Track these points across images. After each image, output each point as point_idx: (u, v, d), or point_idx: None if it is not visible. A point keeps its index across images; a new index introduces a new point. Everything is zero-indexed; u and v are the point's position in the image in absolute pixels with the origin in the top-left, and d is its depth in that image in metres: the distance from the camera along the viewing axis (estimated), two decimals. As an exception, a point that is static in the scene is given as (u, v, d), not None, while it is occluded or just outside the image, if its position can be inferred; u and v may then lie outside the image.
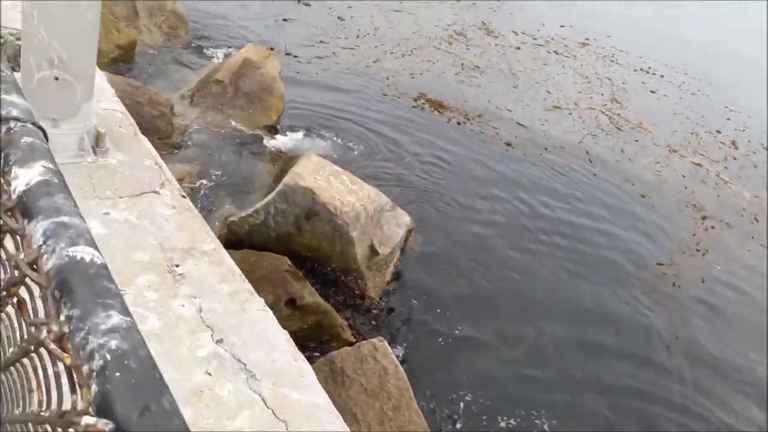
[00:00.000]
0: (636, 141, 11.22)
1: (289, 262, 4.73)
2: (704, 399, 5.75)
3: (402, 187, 7.37)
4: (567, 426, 4.93)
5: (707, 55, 19.06)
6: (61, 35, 2.22)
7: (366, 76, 10.64)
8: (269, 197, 4.99)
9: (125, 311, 0.48)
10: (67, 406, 0.49)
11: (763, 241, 9.04)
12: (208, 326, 2.45)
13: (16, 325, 0.64)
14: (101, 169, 2.80)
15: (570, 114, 11.70)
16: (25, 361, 0.59)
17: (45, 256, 0.49)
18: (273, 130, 7.73)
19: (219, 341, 2.42)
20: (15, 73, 1.45)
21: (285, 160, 6.72)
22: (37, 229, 0.53)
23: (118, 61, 7.90)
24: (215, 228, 5.04)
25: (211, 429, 2.03)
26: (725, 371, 6.26)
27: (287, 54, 10.30)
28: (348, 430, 2.28)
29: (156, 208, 2.80)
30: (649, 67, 15.90)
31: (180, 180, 4.45)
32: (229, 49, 9.58)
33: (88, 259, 0.50)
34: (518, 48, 14.43)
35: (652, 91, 14.36)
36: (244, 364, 2.35)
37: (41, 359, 0.57)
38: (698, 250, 8.27)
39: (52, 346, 0.49)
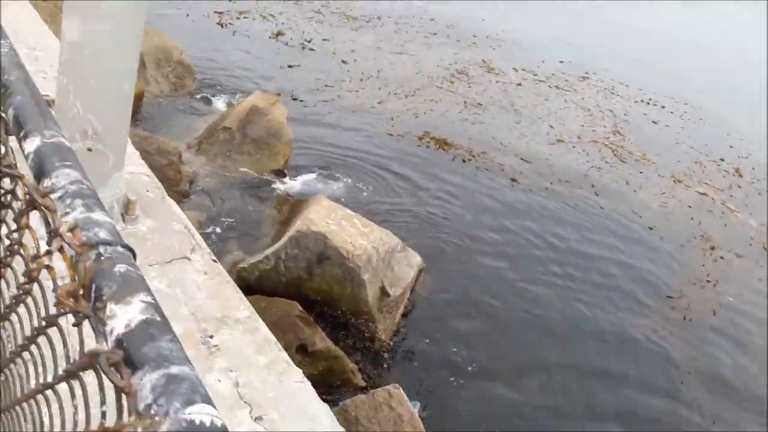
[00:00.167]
0: (640, 172, 11.27)
1: (300, 308, 4.75)
2: (722, 428, 5.69)
3: (411, 225, 7.42)
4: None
5: (707, 85, 19.23)
6: (97, 108, 2.24)
7: (371, 117, 10.80)
8: (280, 243, 5.05)
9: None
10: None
11: (773, 269, 9.00)
12: (246, 402, 2.38)
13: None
14: (131, 238, 2.78)
15: (573, 147, 11.79)
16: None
17: (157, 418, 0.42)
18: (281, 174, 7.83)
19: (258, 419, 2.35)
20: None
21: (293, 204, 6.80)
22: (144, 384, 0.45)
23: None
24: (226, 275, 5.08)
25: None
26: (743, 400, 6.19)
27: (294, 99, 10.49)
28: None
29: (187, 275, 2.76)
30: (650, 99, 16.05)
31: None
32: (236, 97, 9.77)
33: (207, 422, 0.44)
34: (519, 84, 14.63)
35: (654, 122, 14.47)
36: (285, 443, 2.27)
37: None
38: (708, 281, 8.24)
39: None
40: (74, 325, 0.56)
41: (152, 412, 0.43)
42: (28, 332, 0.84)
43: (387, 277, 5.25)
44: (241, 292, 2.81)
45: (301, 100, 10.64)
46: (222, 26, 13.62)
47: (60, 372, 0.62)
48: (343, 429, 2.50)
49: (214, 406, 0.46)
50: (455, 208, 8.25)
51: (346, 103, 11.12)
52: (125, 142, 2.62)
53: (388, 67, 13.64)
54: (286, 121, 8.38)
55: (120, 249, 0.59)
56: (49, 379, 0.68)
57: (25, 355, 0.89)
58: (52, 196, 0.67)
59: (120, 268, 0.56)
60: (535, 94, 14.18)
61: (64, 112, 2.28)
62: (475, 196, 8.68)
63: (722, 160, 12.97)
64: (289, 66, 12.04)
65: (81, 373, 0.55)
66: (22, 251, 0.83)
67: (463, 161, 9.80)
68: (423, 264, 5.84)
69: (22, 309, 0.86)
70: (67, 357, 0.64)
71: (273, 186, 7.57)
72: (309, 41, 13.74)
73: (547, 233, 8.34)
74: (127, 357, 0.48)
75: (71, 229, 0.59)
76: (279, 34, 13.68)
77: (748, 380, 6.53)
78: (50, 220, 0.63)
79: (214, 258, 2.77)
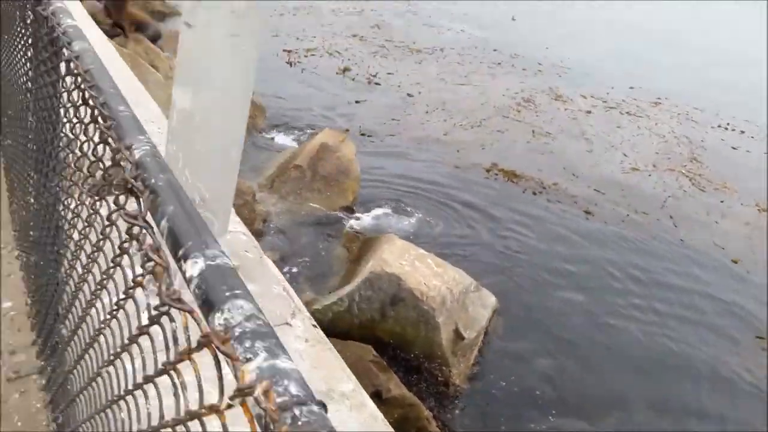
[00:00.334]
0: (721, 201, 10.73)
1: (374, 352, 4.69)
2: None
3: (484, 262, 7.27)
4: None
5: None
6: (206, 175, 2.24)
7: (437, 149, 10.76)
8: (354, 284, 5.02)
9: None
10: None
11: None
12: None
13: None
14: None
15: (649, 176, 11.37)
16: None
17: None
18: (350, 211, 7.86)
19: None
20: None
21: (363, 241, 6.78)
22: None
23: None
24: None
25: None
26: None
27: (362, 134, 10.59)
28: None
29: (289, 342, 2.62)
30: (728, 124, 15.36)
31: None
32: (306, 134, 9.94)
33: None
34: (589, 111, 14.30)
35: (734, 148, 13.81)
36: None
37: None
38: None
39: None
40: None
41: None
42: None
43: (461, 319, 5.12)
44: (343, 361, 2.69)
45: (369, 135, 10.72)
46: (291, 65, 13.97)
47: None
48: None
49: None
50: (528, 242, 8.05)
51: (412, 135, 11.13)
52: (230, 208, 2.59)
53: (453, 98, 13.61)
54: (354, 158, 8.44)
55: (315, 409, 0.52)
56: None
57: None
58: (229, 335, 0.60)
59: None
60: (607, 121, 13.82)
61: (174, 182, 2.25)
62: (548, 229, 8.45)
63: (812, 187, 12.21)
64: (356, 101, 12.19)
65: None
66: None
67: (534, 193, 9.59)
68: (497, 304, 5.68)
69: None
70: None
71: (343, 223, 7.60)
72: (374, 75, 13.90)
73: (626, 265, 8.03)
74: None
75: (266, 392, 0.52)
76: (345, 69, 13.91)
77: None
78: (231, 368, 0.56)
79: (314, 323, 2.68)
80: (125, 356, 1.13)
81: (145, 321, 0.88)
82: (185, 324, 0.69)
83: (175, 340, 0.76)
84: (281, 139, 9.84)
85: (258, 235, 6.80)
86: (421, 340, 5.01)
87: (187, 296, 0.72)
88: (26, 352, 2.34)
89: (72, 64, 1.50)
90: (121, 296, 1.12)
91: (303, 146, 8.58)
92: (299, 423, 0.50)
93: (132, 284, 1.03)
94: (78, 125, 1.45)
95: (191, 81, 2.14)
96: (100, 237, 1.30)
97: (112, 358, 1.26)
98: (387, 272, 4.95)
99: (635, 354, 6.34)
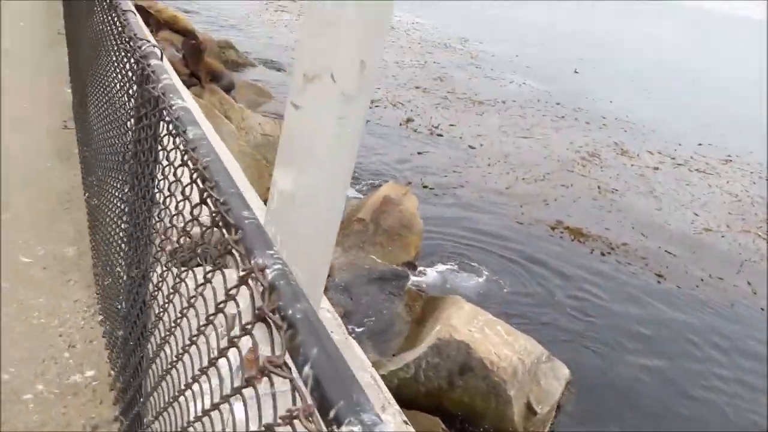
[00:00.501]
0: (806, 268, 10.12)
1: (442, 425, 4.48)
2: None
3: (554, 327, 6.98)
4: None
5: None
6: (302, 258, 2.15)
7: (500, 203, 10.57)
8: (420, 350, 4.84)
9: None
10: None
11: None
12: None
13: None
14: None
15: (723, 237, 10.87)
16: None
17: None
18: (412, 267, 7.72)
19: None
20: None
21: (427, 301, 6.62)
22: None
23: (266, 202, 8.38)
24: (365, 380, 4.93)
25: None
26: None
27: (424, 187, 10.53)
28: None
29: None
30: (807, 183, 14.65)
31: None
32: (369, 186, 9.95)
33: None
34: (656, 168, 13.89)
35: (814, 210, 13.11)
36: None
37: None
38: None
39: None
40: None
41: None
42: None
43: (533, 392, 4.86)
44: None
45: (431, 188, 10.65)
46: (353, 114, 14.14)
47: None
48: None
49: None
50: (599, 304, 7.72)
51: (474, 189, 10.99)
52: (322, 289, 2.50)
53: (515, 151, 13.46)
54: (417, 211, 8.35)
55: None
56: None
57: None
58: None
59: None
60: (675, 179, 13.37)
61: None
62: (618, 294, 8.09)
63: None
64: (419, 152, 12.18)
65: None
66: None
67: (602, 254, 9.25)
68: (570, 376, 5.39)
69: None
70: None
71: (405, 279, 7.45)
72: (437, 127, 13.92)
73: (705, 331, 7.62)
74: None
75: None
76: (408, 120, 13.99)
77: None
78: None
79: (405, 419, 2.52)
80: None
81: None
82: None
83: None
84: (345, 190, 9.86)
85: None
86: (492, 413, 4.77)
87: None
88: (108, 427, 2.28)
89: (186, 156, 1.44)
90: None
91: (366, 199, 8.56)
92: None
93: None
94: (191, 223, 1.39)
95: (294, 162, 2.08)
96: (213, 362, 1.21)
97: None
98: (456, 339, 4.76)
99: (720, 428, 5.92)
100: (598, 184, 12.23)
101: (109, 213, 2.59)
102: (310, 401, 0.79)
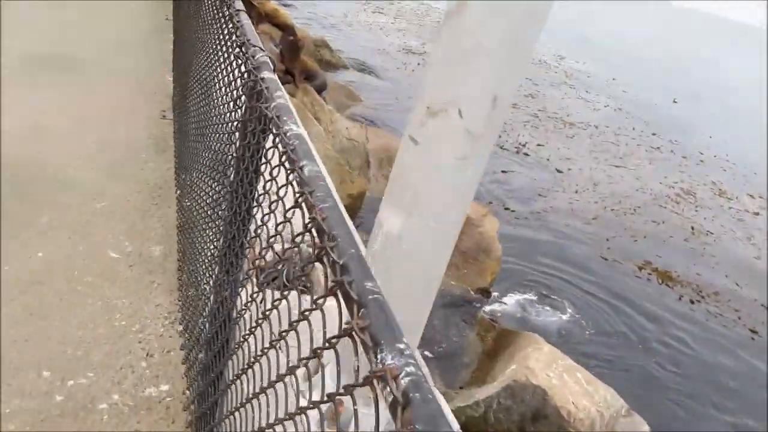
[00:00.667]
0: None
1: (512, 472, 4.21)
2: None
3: (636, 376, 6.55)
4: None
5: None
6: (401, 306, 1.97)
7: (585, 234, 10.10)
8: (492, 389, 4.59)
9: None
10: None
11: None
12: None
13: None
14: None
15: (828, 298, 9.99)
16: None
17: None
18: (486, 294, 7.44)
19: None
20: (304, 294, 1.14)
21: (500, 333, 6.34)
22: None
23: (347, 209, 8.30)
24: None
25: None
26: None
27: (505, 208, 10.20)
28: None
29: None
30: None
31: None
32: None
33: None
34: (757, 213, 12.98)
35: None
36: None
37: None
38: None
39: None
40: None
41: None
42: None
43: (611, 450, 4.52)
44: None
45: (513, 210, 10.30)
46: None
47: None
48: None
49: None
50: (686, 356, 7.20)
51: (558, 216, 10.56)
52: (419, 337, 2.33)
53: (606, 179, 12.88)
54: (496, 234, 8.05)
55: None
56: None
57: None
58: None
59: None
60: (778, 227, 12.45)
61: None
62: (707, 350, 7.52)
63: None
64: (503, 171, 11.83)
65: None
66: None
67: (692, 301, 8.66)
68: (651, 435, 4.99)
69: None
70: None
71: (478, 306, 7.18)
72: (523, 145, 13.51)
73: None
74: None
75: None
76: (495, 136, 13.65)
77: None
78: None
79: None
80: None
81: None
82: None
83: None
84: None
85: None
86: (563, 466, 4.46)
87: None
88: (175, 451, 2.18)
89: (301, 199, 1.28)
90: None
91: (448, 216, 8.34)
92: None
93: None
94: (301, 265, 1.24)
95: (405, 203, 1.91)
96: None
97: None
98: (532, 383, 4.48)
99: None
100: (692, 224, 11.53)
101: (201, 223, 2.50)
102: None
